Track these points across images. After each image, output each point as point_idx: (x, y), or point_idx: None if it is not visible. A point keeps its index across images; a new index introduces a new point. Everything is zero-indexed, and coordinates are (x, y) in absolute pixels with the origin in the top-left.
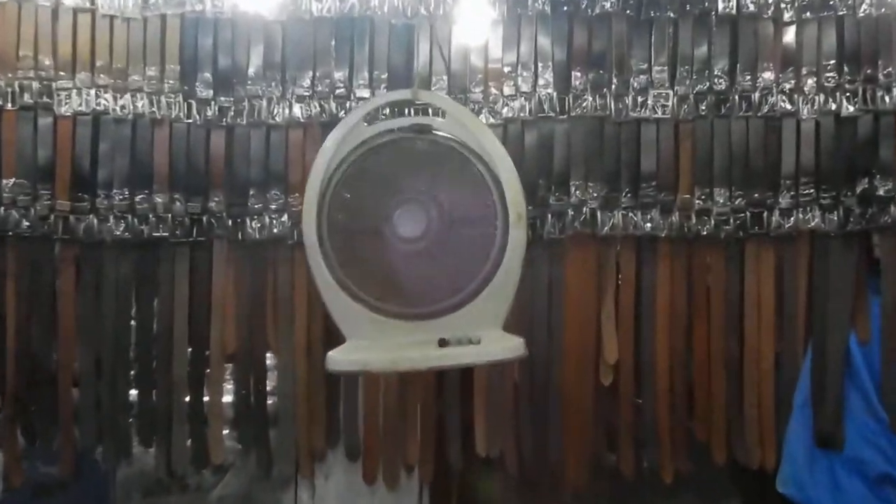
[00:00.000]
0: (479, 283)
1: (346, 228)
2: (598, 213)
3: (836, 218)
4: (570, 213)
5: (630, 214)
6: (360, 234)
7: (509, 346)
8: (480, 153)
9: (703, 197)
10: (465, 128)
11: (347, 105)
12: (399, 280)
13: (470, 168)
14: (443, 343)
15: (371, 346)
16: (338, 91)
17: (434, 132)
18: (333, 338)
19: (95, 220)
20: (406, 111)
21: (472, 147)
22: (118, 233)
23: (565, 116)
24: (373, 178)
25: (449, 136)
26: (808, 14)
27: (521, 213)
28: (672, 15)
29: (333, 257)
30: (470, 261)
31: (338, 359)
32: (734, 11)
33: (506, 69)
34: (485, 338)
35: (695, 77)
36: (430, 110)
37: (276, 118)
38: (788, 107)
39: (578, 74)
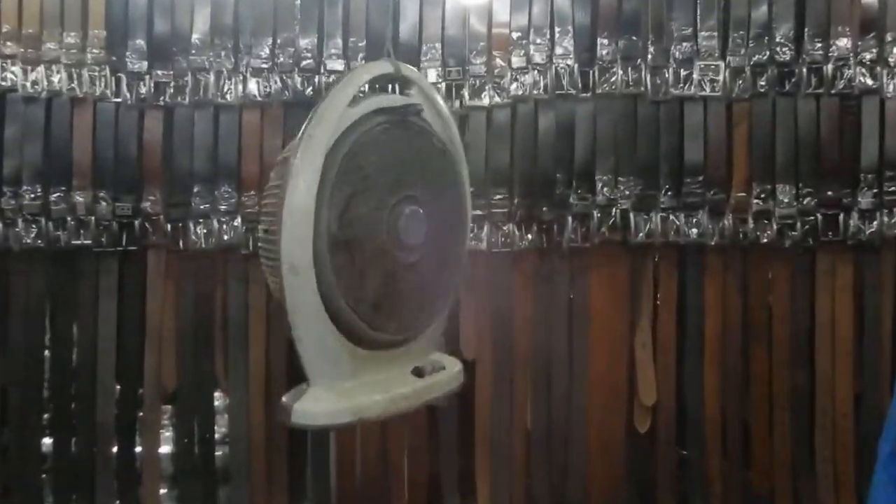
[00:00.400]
0: (447, 299)
1: (351, 242)
2: (631, 216)
3: None
4: (596, 215)
5: (671, 217)
6: (364, 246)
7: (459, 369)
8: (451, 144)
9: (762, 195)
10: (436, 113)
11: (316, 80)
12: (393, 301)
13: (449, 163)
14: (419, 373)
15: (351, 387)
16: (304, 63)
17: (422, 118)
18: (298, 371)
19: (0, 225)
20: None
21: (443, 137)
22: (29, 240)
23: (589, 94)
24: (370, 174)
25: (429, 123)
26: None
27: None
28: None
29: (333, 281)
30: (451, 272)
31: (314, 410)
32: None
33: (514, 35)
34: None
35: (752, 45)
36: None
37: (227, 96)
38: (869, 82)
39: (605, 41)
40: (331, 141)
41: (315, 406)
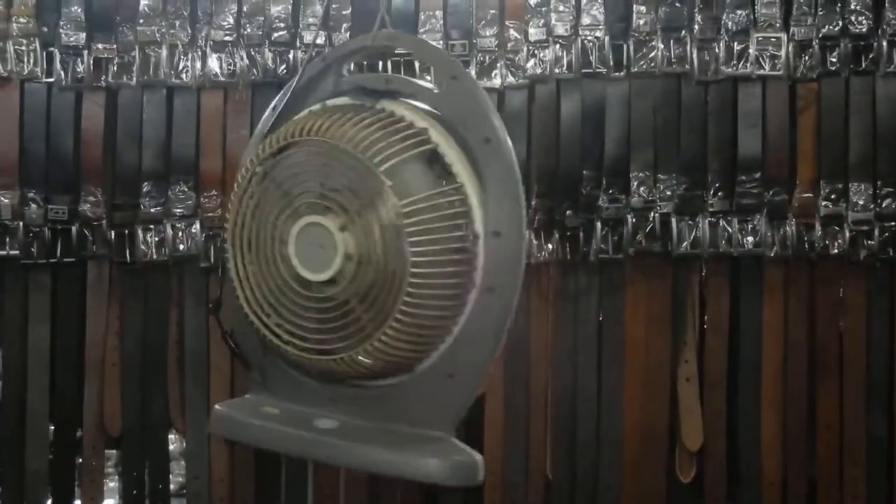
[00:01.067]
0: None
1: None
2: (673, 222)
3: None
4: (631, 220)
5: (721, 223)
6: None
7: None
8: None
9: (832, 196)
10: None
11: (291, 56)
12: None
13: None
14: None
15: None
16: (276, 35)
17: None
18: None
19: None
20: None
21: None
22: None
23: (622, 73)
24: None
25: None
26: None
27: None
28: None
29: None
30: None
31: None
32: None
33: (532, 1)
34: None
35: (821, 13)
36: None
37: (183, 75)
38: None
39: (643, 9)
40: None
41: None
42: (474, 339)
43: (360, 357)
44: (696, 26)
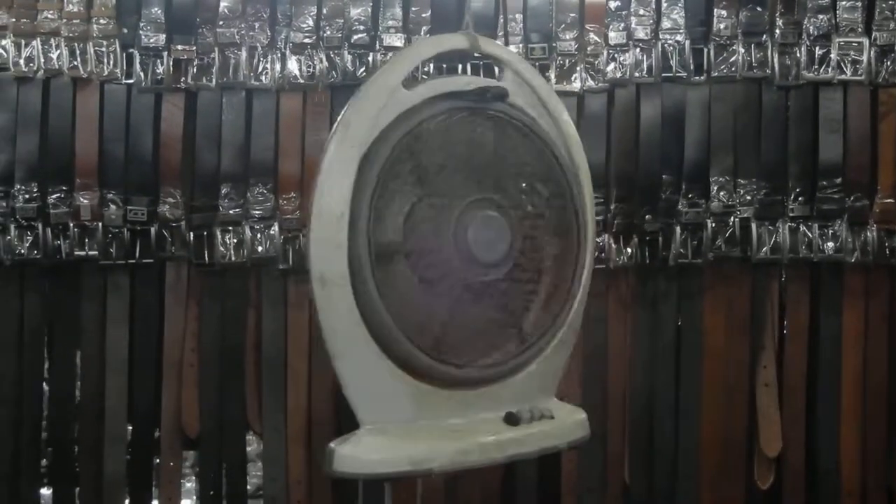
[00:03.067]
0: (552, 328)
1: (400, 253)
2: (753, 227)
3: None
4: (710, 225)
5: (802, 229)
6: (419, 259)
7: (577, 420)
8: (556, 139)
9: None
10: (536, 98)
11: (371, 58)
12: (460, 326)
13: (549, 162)
14: (512, 420)
15: (409, 431)
16: (355, 38)
17: (509, 104)
18: (349, 416)
19: None
20: (459, 67)
21: (546, 129)
22: (23, 251)
23: (703, 77)
24: (427, 171)
25: (522, 112)
26: None
27: (594, 227)
28: None
29: (377, 298)
30: (553, 296)
31: (362, 456)
32: None
33: (612, 5)
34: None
35: None
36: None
37: (262, 77)
38: None
39: (723, 13)
40: (375, 130)
41: (362, 451)
42: None
43: None
44: (777, 31)
